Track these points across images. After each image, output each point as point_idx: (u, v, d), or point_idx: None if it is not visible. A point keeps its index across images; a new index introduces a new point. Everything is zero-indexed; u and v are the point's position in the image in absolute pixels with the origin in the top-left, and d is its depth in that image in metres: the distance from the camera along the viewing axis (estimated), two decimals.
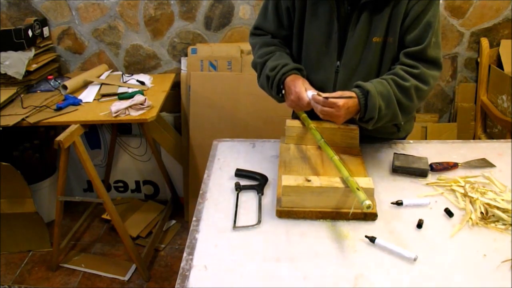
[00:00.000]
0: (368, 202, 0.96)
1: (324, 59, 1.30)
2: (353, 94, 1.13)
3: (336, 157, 1.13)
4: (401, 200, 1.12)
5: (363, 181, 1.07)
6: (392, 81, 1.17)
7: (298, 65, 1.29)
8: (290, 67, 1.26)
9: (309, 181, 1.07)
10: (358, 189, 1.00)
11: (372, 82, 1.18)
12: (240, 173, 1.26)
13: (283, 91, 1.27)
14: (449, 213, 1.09)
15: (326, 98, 1.11)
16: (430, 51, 1.19)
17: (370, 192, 1.06)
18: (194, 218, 1.10)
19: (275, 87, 1.27)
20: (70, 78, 2.26)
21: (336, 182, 1.07)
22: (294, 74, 1.26)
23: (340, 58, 1.27)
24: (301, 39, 1.32)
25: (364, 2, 1.16)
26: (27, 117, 1.90)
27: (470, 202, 1.12)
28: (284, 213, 1.09)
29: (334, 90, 1.28)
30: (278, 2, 1.30)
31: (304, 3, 1.26)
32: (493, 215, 1.07)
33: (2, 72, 2.08)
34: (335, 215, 1.07)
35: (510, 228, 1.04)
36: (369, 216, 1.07)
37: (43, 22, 2.32)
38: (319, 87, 1.27)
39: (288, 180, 1.09)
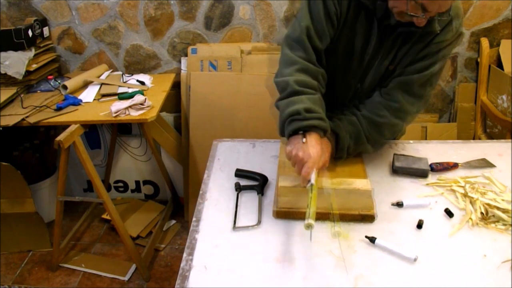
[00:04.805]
0: (307, 221, 0.93)
1: (346, 79, 1.27)
2: (325, 140, 1.17)
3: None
4: (402, 201, 1.12)
5: (361, 183, 1.06)
6: (365, 119, 1.21)
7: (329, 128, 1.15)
8: (328, 126, 1.12)
9: None
10: (307, 205, 0.97)
11: (342, 121, 1.21)
12: (240, 173, 1.26)
13: (303, 140, 1.06)
14: (449, 213, 1.09)
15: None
16: (420, 88, 1.20)
17: (368, 194, 1.05)
18: (194, 218, 1.10)
19: (296, 127, 1.08)
20: (70, 78, 2.25)
21: (334, 183, 1.07)
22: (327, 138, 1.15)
23: (363, 81, 1.26)
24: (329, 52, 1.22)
25: (400, 31, 1.13)
26: (27, 117, 1.90)
27: (470, 202, 1.12)
28: (281, 214, 1.09)
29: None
30: (325, 4, 1.14)
31: (345, 15, 1.16)
32: (493, 216, 1.07)
33: (2, 72, 2.08)
34: (332, 217, 1.07)
35: (510, 228, 1.04)
36: (367, 218, 1.07)
37: (43, 22, 2.32)
38: (334, 106, 1.27)
39: (285, 181, 1.08)
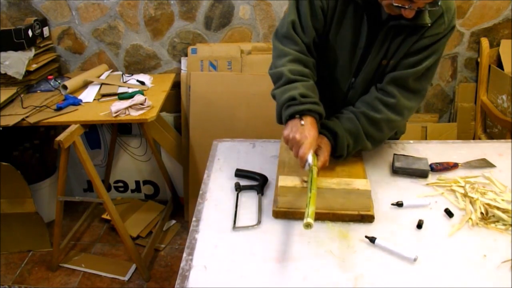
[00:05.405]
0: (306, 220, 0.91)
1: (340, 74, 1.27)
2: (325, 139, 1.19)
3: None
4: (401, 201, 1.12)
5: (360, 183, 1.06)
6: (362, 115, 1.21)
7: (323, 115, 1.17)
8: (323, 111, 1.15)
9: (305, 182, 1.07)
10: (307, 205, 0.97)
11: (340, 119, 1.21)
12: (240, 173, 1.26)
13: (302, 122, 1.10)
14: (449, 213, 1.09)
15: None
16: (415, 82, 1.20)
17: (367, 194, 1.05)
18: (194, 218, 1.10)
19: (293, 111, 1.11)
20: (70, 78, 2.26)
21: (333, 183, 1.07)
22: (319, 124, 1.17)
23: (356, 76, 1.26)
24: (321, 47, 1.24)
25: (391, 25, 1.13)
26: (27, 117, 1.90)
27: (470, 202, 1.12)
28: (280, 214, 1.09)
29: (344, 107, 1.29)
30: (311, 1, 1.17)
31: (333, 10, 1.18)
32: (493, 216, 1.07)
33: (2, 72, 2.08)
34: (331, 217, 1.07)
35: (510, 228, 1.04)
36: (366, 219, 1.07)
37: (43, 22, 2.32)
38: (330, 102, 1.27)
39: (285, 180, 1.08)
